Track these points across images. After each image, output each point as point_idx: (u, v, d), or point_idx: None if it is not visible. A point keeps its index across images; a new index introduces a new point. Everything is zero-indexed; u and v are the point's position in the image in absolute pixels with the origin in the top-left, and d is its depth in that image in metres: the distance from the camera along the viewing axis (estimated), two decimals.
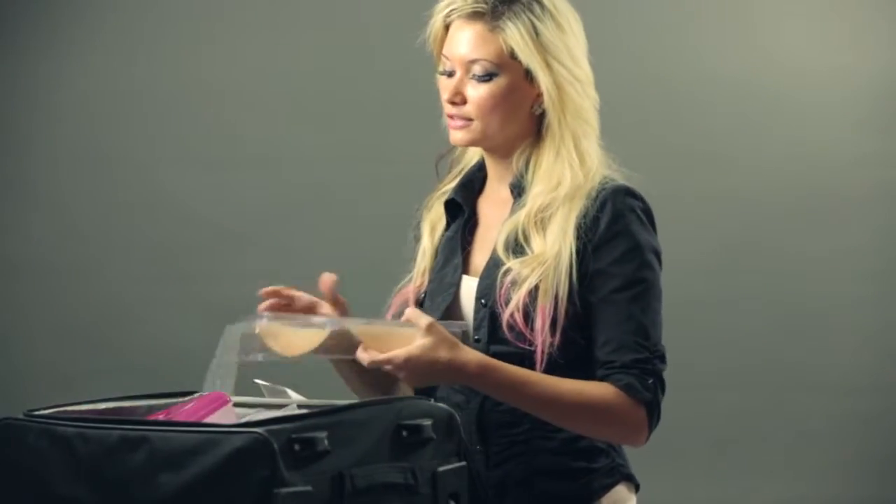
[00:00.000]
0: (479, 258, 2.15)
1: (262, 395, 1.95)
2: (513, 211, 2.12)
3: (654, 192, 4.21)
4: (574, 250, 2.05)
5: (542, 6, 2.11)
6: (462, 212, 2.20)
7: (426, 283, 2.20)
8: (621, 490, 2.14)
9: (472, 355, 1.97)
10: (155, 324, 4.18)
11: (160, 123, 4.24)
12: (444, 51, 2.14)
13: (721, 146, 4.00)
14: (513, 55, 2.09)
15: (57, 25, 4.29)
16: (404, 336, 1.92)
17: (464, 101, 2.11)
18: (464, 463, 1.80)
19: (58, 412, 1.78)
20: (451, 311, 2.12)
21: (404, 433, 1.73)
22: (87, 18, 4.31)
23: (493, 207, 2.19)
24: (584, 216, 2.07)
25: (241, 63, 4.21)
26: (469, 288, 2.12)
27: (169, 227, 4.21)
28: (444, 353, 1.94)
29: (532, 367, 2.03)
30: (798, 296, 3.98)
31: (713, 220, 4.00)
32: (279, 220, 4.18)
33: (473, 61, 2.10)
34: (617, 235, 2.08)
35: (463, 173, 2.24)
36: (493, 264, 2.10)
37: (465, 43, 2.11)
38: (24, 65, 4.29)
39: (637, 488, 2.17)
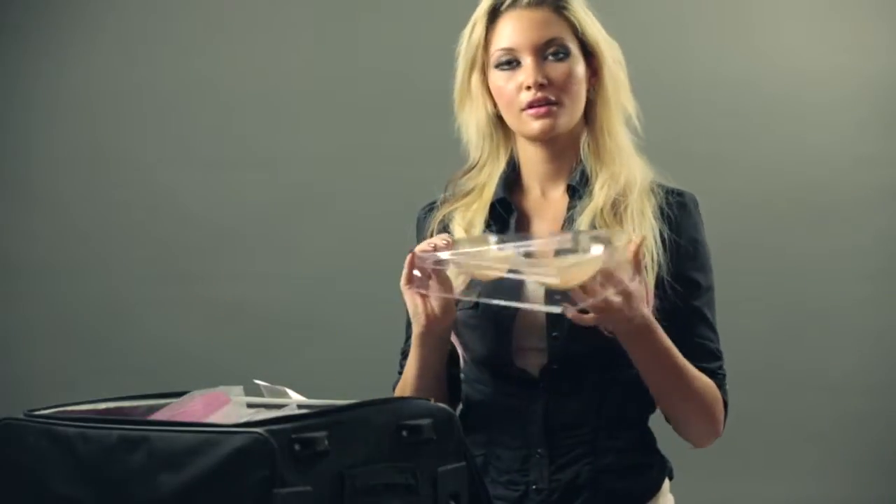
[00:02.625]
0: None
1: (262, 395, 1.95)
2: (577, 203, 2.13)
3: None
4: (660, 241, 2.10)
5: None
6: (511, 211, 2.19)
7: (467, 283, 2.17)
8: (667, 484, 2.20)
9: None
10: (155, 324, 4.18)
11: (160, 123, 4.24)
12: (502, 44, 2.14)
13: (721, 146, 4.00)
14: (580, 35, 2.14)
15: (57, 25, 4.29)
16: (592, 262, 1.84)
17: (549, 84, 2.12)
18: (464, 463, 1.80)
19: (58, 412, 1.78)
20: (522, 311, 2.11)
21: (404, 433, 1.73)
22: (87, 18, 4.31)
23: (540, 208, 2.19)
24: (662, 215, 2.13)
25: (241, 63, 4.21)
26: (535, 287, 2.08)
27: (169, 227, 4.22)
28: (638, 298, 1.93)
29: (615, 358, 2.05)
30: (798, 296, 3.98)
31: (713, 220, 3.99)
32: (279, 220, 4.18)
33: (549, 42, 2.13)
34: (697, 244, 2.15)
35: (499, 176, 2.22)
36: None
37: (536, 27, 2.13)
38: (24, 65, 4.29)
39: (671, 478, 2.23)
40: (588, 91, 2.16)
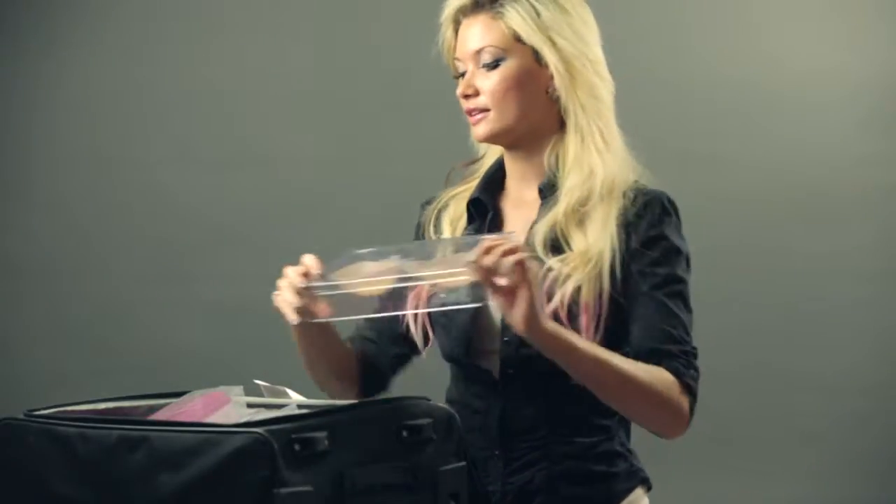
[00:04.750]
0: None
1: (262, 395, 1.95)
2: (544, 209, 2.11)
3: None
4: (618, 250, 2.06)
5: None
6: (486, 211, 2.19)
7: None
8: (639, 493, 2.16)
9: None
10: (155, 324, 4.18)
11: (160, 123, 4.24)
12: (456, 54, 2.15)
13: (721, 146, 4.00)
14: (517, 38, 2.11)
15: (57, 25, 4.29)
16: (460, 276, 1.83)
17: (476, 93, 2.12)
18: (464, 463, 1.80)
19: (58, 412, 1.78)
20: (480, 313, 2.11)
21: (404, 433, 1.73)
22: (88, 18, 4.31)
23: (516, 209, 2.18)
24: (625, 216, 2.08)
25: (241, 63, 4.21)
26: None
27: (169, 227, 4.21)
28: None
29: None
30: (797, 296, 3.98)
31: (713, 220, 4.00)
32: (279, 220, 4.18)
33: (480, 51, 2.12)
34: (657, 240, 2.09)
35: (483, 173, 2.23)
36: None
37: (471, 36, 2.13)
38: (24, 65, 4.29)
39: (649, 489, 2.20)
40: (548, 92, 2.13)
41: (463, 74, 2.14)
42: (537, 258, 2.04)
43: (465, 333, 2.12)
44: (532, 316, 1.84)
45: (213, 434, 1.60)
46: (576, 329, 2.01)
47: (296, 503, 1.58)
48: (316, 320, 1.97)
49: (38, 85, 4.29)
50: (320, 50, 4.18)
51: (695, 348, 2.12)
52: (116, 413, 1.83)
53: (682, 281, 2.12)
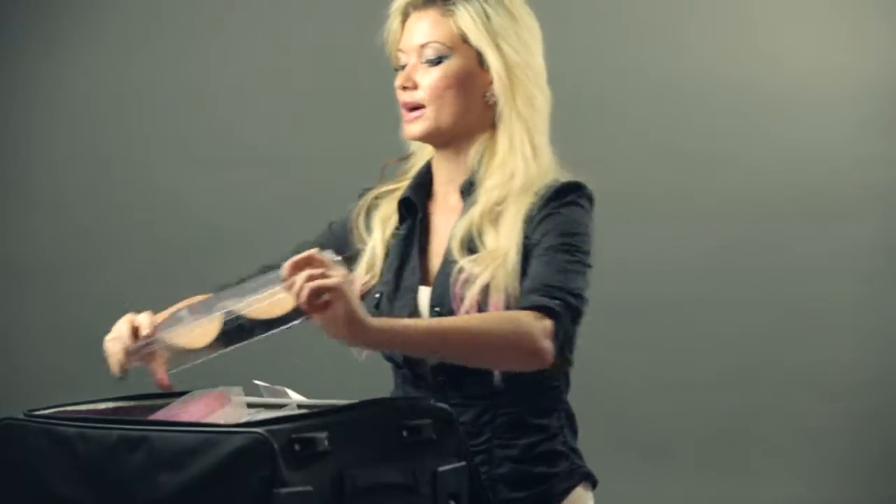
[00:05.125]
0: (431, 266, 2.14)
1: (261, 395, 1.95)
2: (465, 210, 2.11)
3: (654, 191, 4.25)
4: (520, 246, 2.04)
5: None
6: (416, 212, 2.18)
7: (377, 281, 2.17)
8: (579, 491, 2.14)
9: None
10: None
11: (160, 123, 4.24)
12: (400, 46, 2.15)
13: (721, 146, 4.00)
14: (464, 38, 2.11)
15: (57, 26, 4.29)
16: (284, 301, 1.79)
17: (415, 86, 2.12)
18: (464, 463, 1.80)
19: (58, 412, 1.79)
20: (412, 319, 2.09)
21: (404, 433, 1.73)
22: (87, 19, 4.31)
23: (443, 213, 2.18)
24: (531, 211, 2.06)
25: (241, 63, 4.21)
26: (423, 297, 2.11)
27: (169, 227, 4.21)
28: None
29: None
30: (798, 296, 3.98)
31: (713, 220, 4.00)
32: (279, 220, 4.18)
33: (425, 45, 2.12)
34: (551, 215, 2.06)
35: (414, 174, 2.22)
36: (445, 271, 2.08)
37: (419, 30, 2.13)
38: (24, 65, 4.29)
39: (594, 485, 2.16)
40: (486, 95, 2.13)
41: (404, 67, 2.14)
42: (453, 261, 2.04)
43: None
44: (352, 325, 1.77)
45: (213, 434, 1.60)
46: None
47: (296, 503, 1.58)
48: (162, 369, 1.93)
49: (38, 85, 4.29)
50: (320, 49, 4.18)
51: (570, 287, 1.99)
52: (116, 413, 1.83)
53: (571, 244, 2.04)
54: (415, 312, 2.10)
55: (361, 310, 1.79)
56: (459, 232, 2.08)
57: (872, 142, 3.96)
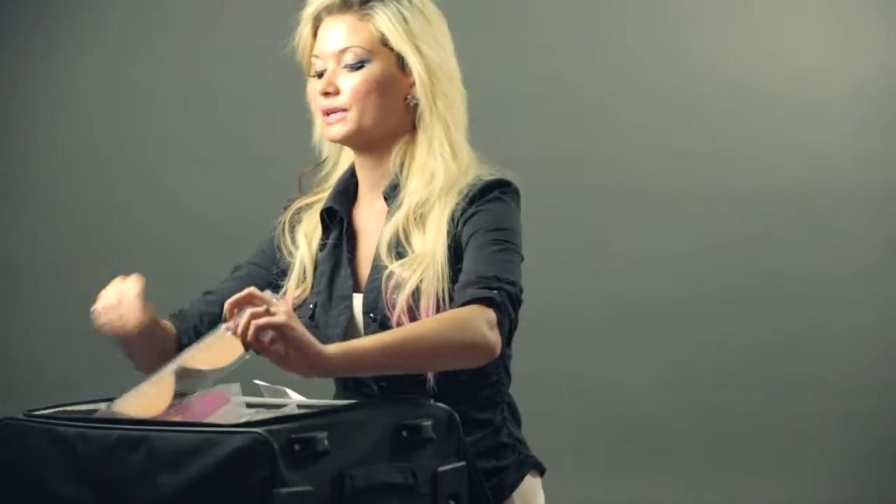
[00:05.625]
0: (362, 273, 2.14)
1: (261, 395, 1.95)
2: (390, 214, 2.11)
3: (655, 191, 4.24)
4: (447, 246, 2.05)
5: (410, 0, 2.14)
6: (339, 221, 2.18)
7: (309, 293, 2.16)
8: (529, 480, 2.15)
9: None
10: None
11: (160, 123, 4.24)
12: (316, 51, 2.16)
13: (721, 146, 4.00)
14: (384, 42, 2.12)
15: (57, 25, 4.29)
16: (233, 342, 1.77)
17: (337, 92, 2.12)
18: (464, 463, 1.80)
19: (58, 412, 1.79)
20: (349, 327, 2.10)
21: (404, 433, 1.73)
22: (87, 18, 4.31)
23: (369, 219, 2.18)
24: (455, 211, 2.07)
25: (241, 63, 4.21)
26: (357, 304, 2.11)
27: (169, 227, 4.21)
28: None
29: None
30: (798, 296, 3.97)
31: (713, 220, 4.00)
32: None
33: (345, 50, 2.12)
34: (478, 212, 2.06)
35: (336, 181, 2.22)
36: (375, 276, 2.09)
37: (335, 35, 2.14)
38: (24, 65, 4.29)
39: (542, 473, 2.17)
40: (407, 98, 2.13)
41: (321, 74, 2.14)
42: (383, 266, 2.05)
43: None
44: (308, 357, 1.76)
45: (213, 434, 1.60)
46: None
47: (296, 503, 1.58)
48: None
49: (38, 85, 4.29)
50: None
51: (506, 277, 2.00)
52: (116, 413, 1.83)
53: (500, 239, 2.04)
54: (351, 320, 2.10)
55: (313, 340, 1.77)
56: (386, 236, 2.09)
57: (872, 142, 3.95)
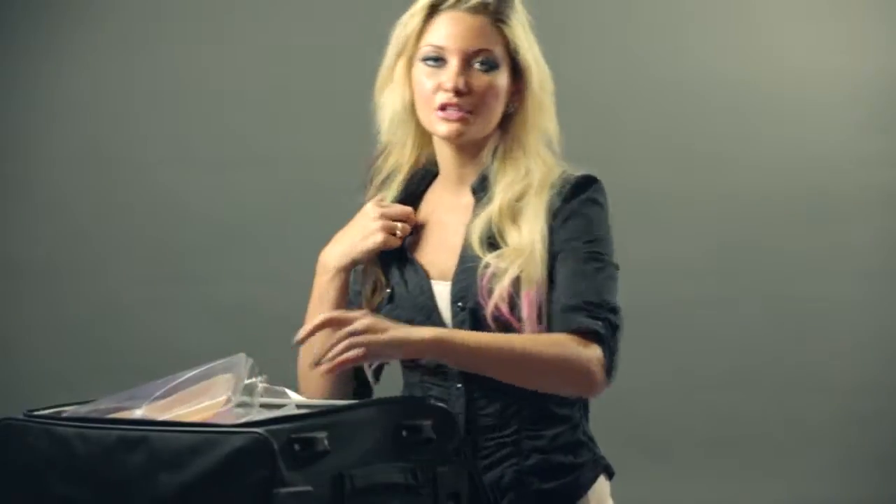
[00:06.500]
0: (440, 262, 2.15)
1: (261, 395, 1.94)
2: (478, 207, 2.13)
3: (655, 191, 4.24)
4: (546, 238, 2.07)
5: (519, 6, 2.16)
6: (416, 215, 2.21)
7: (379, 286, 2.19)
8: (602, 481, 2.16)
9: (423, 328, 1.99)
10: (155, 324, 4.17)
11: (160, 123, 4.24)
12: (433, 40, 2.14)
13: (721, 146, 4.00)
14: (511, 51, 2.13)
15: (57, 25, 4.29)
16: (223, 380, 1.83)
17: (469, 91, 2.12)
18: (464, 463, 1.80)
19: (58, 412, 1.78)
20: (431, 315, 2.12)
21: (404, 433, 1.73)
22: (87, 18, 4.31)
23: (448, 210, 2.19)
24: (551, 204, 2.09)
25: (241, 63, 4.21)
26: (440, 292, 2.13)
27: (169, 227, 4.21)
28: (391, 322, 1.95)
29: None
30: (798, 296, 3.97)
31: (713, 220, 4.00)
32: (279, 220, 4.18)
33: (479, 52, 2.12)
34: (573, 215, 2.10)
35: (404, 179, 2.23)
36: (466, 266, 2.11)
37: (470, 33, 2.13)
38: (24, 65, 4.29)
39: (611, 476, 2.19)
40: (507, 105, 2.15)
41: (435, 59, 2.13)
42: (474, 256, 2.08)
43: (429, 319, 2.12)
44: (399, 339, 1.91)
45: (212, 434, 1.60)
46: (519, 320, 2.04)
47: (296, 503, 1.58)
48: None
49: (38, 85, 4.29)
50: (320, 49, 4.18)
51: (608, 304, 2.06)
52: (116, 412, 1.83)
53: (596, 252, 2.09)
54: (434, 308, 2.12)
55: (402, 325, 1.94)
56: (478, 229, 2.10)
57: (872, 142, 3.96)
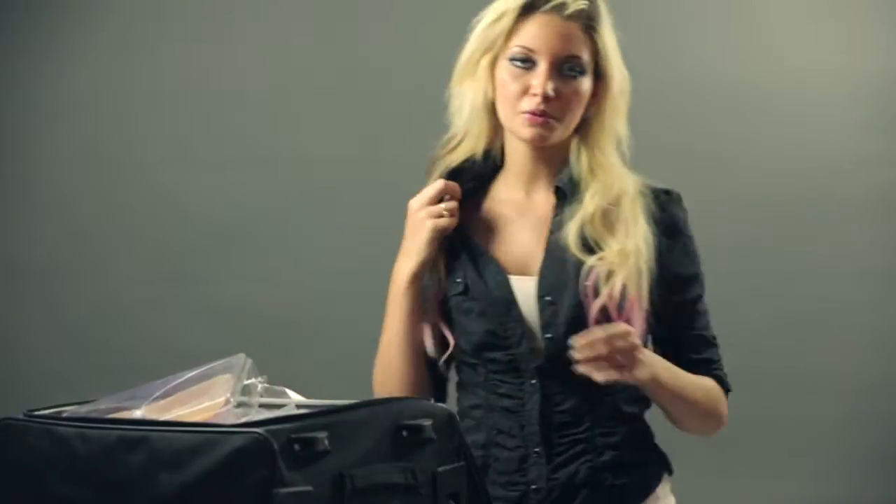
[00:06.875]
0: (517, 257, 2.17)
1: (261, 395, 1.94)
2: (567, 208, 2.15)
3: None
4: (652, 245, 2.13)
5: (605, 11, 2.19)
6: (478, 206, 2.21)
7: (443, 276, 2.20)
8: (667, 478, 2.23)
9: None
10: (155, 324, 4.17)
11: (160, 123, 4.24)
12: (524, 42, 2.13)
13: (721, 146, 4.00)
14: (597, 58, 2.15)
15: (57, 25, 4.29)
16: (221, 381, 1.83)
17: (557, 99, 2.12)
18: (463, 463, 1.80)
19: (58, 412, 1.78)
20: (510, 309, 2.13)
21: (404, 433, 1.73)
22: (87, 18, 4.31)
23: (520, 208, 2.20)
24: (650, 213, 2.15)
25: (241, 63, 4.21)
26: (520, 287, 2.14)
27: (169, 227, 4.21)
28: None
29: None
30: (798, 296, 3.97)
31: (713, 221, 3.99)
32: (279, 220, 4.18)
33: (569, 58, 2.13)
34: (685, 238, 2.21)
35: (471, 168, 2.22)
36: (553, 263, 2.12)
37: (562, 39, 2.13)
38: (24, 65, 4.29)
39: (671, 474, 2.26)
40: (587, 108, 2.17)
41: (523, 61, 2.13)
42: (563, 256, 2.12)
43: (508, 312, 2.14)
44: (650, 371, 2.05)
45: (212, 434, 1.60)
46: (626, 321, 2.10)
47: (296, 503, 1.58)
48: None
49: (38, 85, 4.29)
50: (320, 49, 4.18)
51: (715, 337, 2.21)
52: (116, 412, 1.83)
53: (700, 277, 2.22)
54: (512, 302, 2.13)
55: (644, 351, 2.04)
56: (573, 229, 2.12)
57: (872, 142, 3.96)
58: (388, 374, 2.22)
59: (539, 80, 2.11)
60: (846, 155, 3.96)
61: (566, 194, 2.16)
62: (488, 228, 2.20)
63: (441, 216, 2.15)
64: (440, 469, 1.76)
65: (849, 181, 3.95)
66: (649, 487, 2.17)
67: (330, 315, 4.09)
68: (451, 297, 2.18)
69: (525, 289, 2.14)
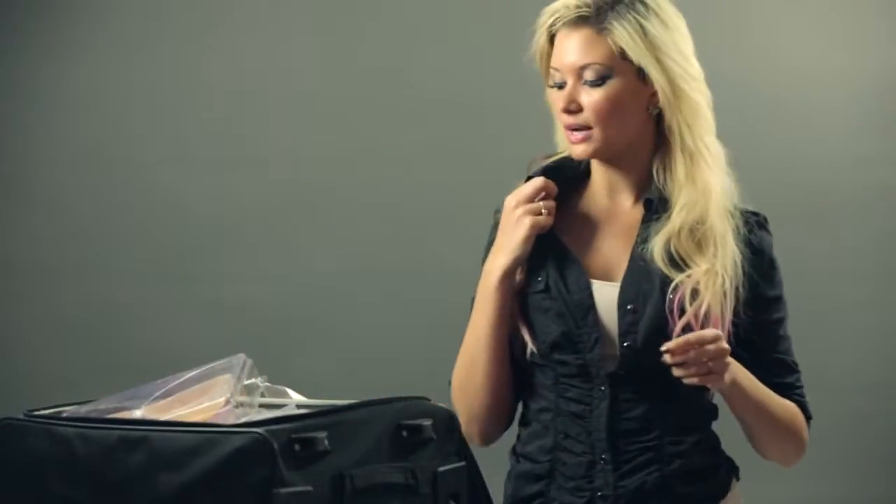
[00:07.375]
0: (600, 263, 2.15)
1: (261, 395, 1.94)
2: (655, 222, 2.12)
3: None
4: (740, 266, 2.13)
5: (646, 5, 2.13)
6: (566, 207, 2.18)
7: (524, 272, 2.17)
8: (735, 485, 2.24)
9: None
10: (155, 324, 4.17)
11: (160, 123, 4.24)
12: (553, 63, 2.12)
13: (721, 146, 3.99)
14: (623, 55, 2.09)
15: (57, 25, 4.29)
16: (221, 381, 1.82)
17: (579, 109, 2.09)
18: (464, 463, 1.80)
19: (58, 412, 1.78)
20: (587, 314, 2.12)
21: (404, 433, 1.73)
22: (87, 18, 4.31)
23: (604, 215, 2.18)
24: (741, 238, 2.17)
25: (241, 63, 4.21)
26: (601, 293, 2.12)
27: (169, 227, 4.21)
28: None
29: None
30: (798, 296, 3.96)
31: None
32: (279, 220, 4.18)
33: (584, 67, 2.09)
34: (773, 267, 2.26)
35: (566, 168, 2.20)
36: (637, 273, 2.10)
37: (574, 50, 2.09)
38: (24, 65, 4.29)
39: (738, 479, 2.27)
40: (648, 108, 2.13)
41: (559, 86, 2.11)
42: (648, 268, 2.11)
43: (586, 315, 2.12)
44: (733, 377, 2.06)
45: (213, 434, 1.60)
46: None
47: (296, 503, 1.58)
48: None
49: (38, 85, 4.29)
50: (320, 49, 4.18)
51: (797, 364, 2.23)
52: (116, 412, 1.83)
53: (784, 301, 2.29)
54: (591, 307, 2.11)
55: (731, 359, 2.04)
56: (660, 243, 2.10)
57: (872, 142, 3.95)
58: (473, 371, 2.15)
59: (562, 96, 2.10)
60: (846, 155, 3.96)
61: (654, 206, 2.13)
62: (574, 231, 2.17)
63: (539, 214, 2.11)
64: (440, 469, 1.76)
65: (849, 180, 3.95)
66: (720, 493, 2.18)
67: (330, 315, 4.09)
68: (529, 295, 2.14)
69: (605, 295, 2.11)
